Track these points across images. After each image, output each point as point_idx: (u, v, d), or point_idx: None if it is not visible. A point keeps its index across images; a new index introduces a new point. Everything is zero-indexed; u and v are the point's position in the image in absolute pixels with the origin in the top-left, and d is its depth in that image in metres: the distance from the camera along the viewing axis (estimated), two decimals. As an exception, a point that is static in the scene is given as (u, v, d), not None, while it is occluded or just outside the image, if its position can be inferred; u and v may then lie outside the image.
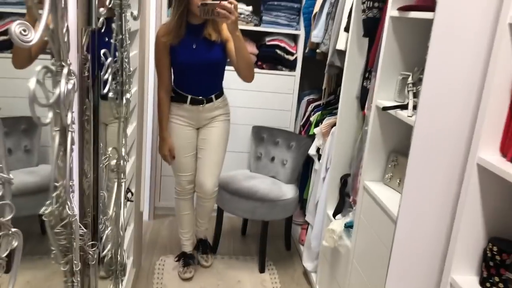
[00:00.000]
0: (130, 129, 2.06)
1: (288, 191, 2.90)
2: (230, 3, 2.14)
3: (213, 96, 2.56)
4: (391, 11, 1.78)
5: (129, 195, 1.99)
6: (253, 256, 3.03)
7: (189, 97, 2.52)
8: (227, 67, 2.59)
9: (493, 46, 1.18)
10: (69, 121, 0.96)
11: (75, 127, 1.05)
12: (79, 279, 1.12)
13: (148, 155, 3.18)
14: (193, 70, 2.47)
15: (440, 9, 1.24)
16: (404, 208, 1.39)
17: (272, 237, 3.18)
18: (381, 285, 1.59)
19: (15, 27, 0.62)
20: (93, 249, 1.14)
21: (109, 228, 1.41)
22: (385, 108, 1.73)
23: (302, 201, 3.17)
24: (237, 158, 3.36)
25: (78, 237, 1.05)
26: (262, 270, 2.88)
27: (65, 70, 0.92)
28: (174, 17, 2.37)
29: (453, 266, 1.32)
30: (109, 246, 1.44)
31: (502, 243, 1.24)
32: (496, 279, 1.23)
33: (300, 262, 2.95)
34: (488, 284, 1.25)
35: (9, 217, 0.77)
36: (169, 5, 3.08)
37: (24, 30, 0.64)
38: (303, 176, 3.20)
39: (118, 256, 1.67)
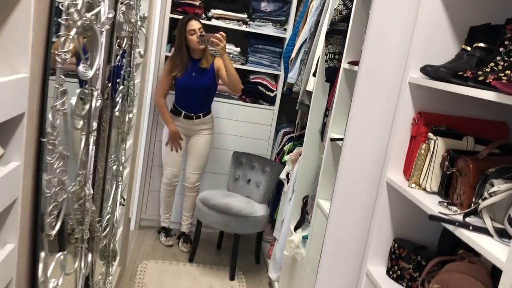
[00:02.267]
0: (127, 144, 2.47)
1: (260, 210, 3.31)
2: (220, 34, 3.02)
3: (201, 114, 3.39)
4: (344, 64, 2.25)
5: (121, 200, 2.39)
6: (226, 266, 3.41)
7: (183, 112, 3.37)
8: (217, 100, 3.41)
9: (399, 97, 1.64)
10: (94, 128, 1.39)
11: (95, 133, 1.48)
12: (87, 245, 1.52)
13: (139, 169, 3.59)
14: (191, 92, 3.31)
15: (362, 65, 1.70)
16: (333, 211, 1.82)
17: (244, 251, 3.58)
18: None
19: (81, 68, 1.06)
20: (99, 223, 1.54)
21: (109, 215, 1.81)
22: (332, 139, 2.18)
23: (272, 221, 3.57)
24: (217, 178, 3.78)
25: (90, 212, 1.45)
26: (232, 278, 3.25)
27: (95, 93, 1.35)
28: (177, 55, 3.24)
29: (368, 260, 1.74)
30: (107, 229, 1.83)
31: (401, 241, 1.67)
32: (396, 268, 1.66)
33: (267, 274, 3.33)
34: (391, 272, 1.68)
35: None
36: (168, 42, 3.57)
37: (85, 70, 1.07)
38: (275, 199, 3.62)
39: (111, 244, 2.06)
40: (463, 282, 1.39)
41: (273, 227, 3.58)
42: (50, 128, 0.99)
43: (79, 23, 0.98)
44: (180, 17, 3.33)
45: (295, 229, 2.77)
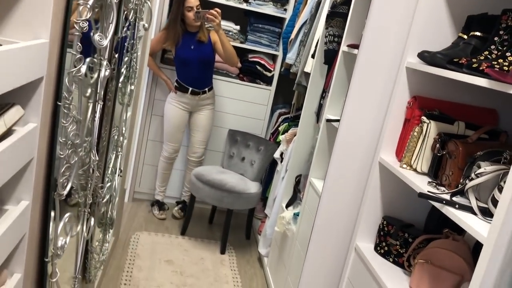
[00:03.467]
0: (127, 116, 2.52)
1: (253, 187, 3.38)
2: (215, 11, 3.08)
3: (206, 89, 3.48)
4: (343, 47, 2.30)
5: (119, 170, 2.45)
6: (217, 241, 3.50)
7: (190, 89, 3.43)
8: (215, 77, 3.52)
9: (396, 81, 1.70)
10: (101, 97, 1.44)
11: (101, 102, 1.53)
12: (89, 210, 1.58)
13: (135, 143, 3.64)
14: (192, 64, 3.36)
15: (362, 49, 1.76)
16: (326, 189, 1.89)
17: (235, 227, 3.67)
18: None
19: (97, 36, 1.10)
20: (101, 190, 1.60)
21: (109, 183, 1.87)
22: (328, 120, 2.24)
23: (264, 199, 3.66)
24: (212, 155, 3.84)
25: (95, 178, 1.51)
26: (223, 252, 3.35)
27: (104, 63, 1.39)
28: (171, 27, 3.29)
29: (357, 236, 1.82)
30: (107, 197, 1.89)
31: (390, 219, 1.76)
32: (383, 244, 1.74)
33: (256, 249, 3.42)
34: (378, 248, 1.76)
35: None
36: (168, 16, 3.58)
37: (101, 38, 1.12)
38: (268, 178, 3.70)
39: (109, 212, 2.12)
40: (446, 257, 1.47)
41: (265, 205, 3.66)
42: (66, 92, 1.04)
43: (95, -7, 1.02)
44: (182, -7, 3.34)
45: (287, 206, 2.85)
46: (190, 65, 3.37)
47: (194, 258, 3.20)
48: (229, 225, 3.34)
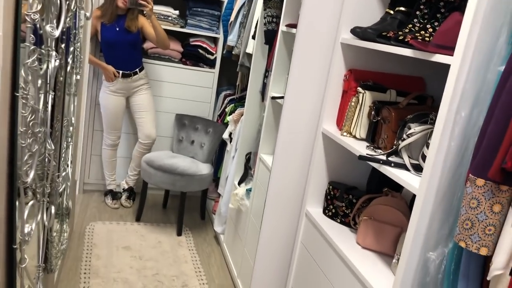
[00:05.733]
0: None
1: (204, 168, 3.47)
2: None
3: (137, 70, 3.47)
4: (282, 27, 2.41)
5: (69, 162, 2.45)
6: (172, 224, 3.57)
7: (121, 72, 3.41)
8: (158, 63, 3.54)
9: (332, 56, 1.84)
10: (52, 87, 1.46)
11: (52, 92, 1.55)
12: (48, 199, 1.61)
13: (81, 134, 3.60)
14: (118, 47, 3.37)
15: (300, 28, 1.88)
16: (276, 162, 2.02)
17: (189, 209, 3.76)
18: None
19: (48, 27, 1.13)
20: (58, 179, 1.63)
21: (64, 172, 1.89)
22: (273, 98, 2.36)
23: (216, 180, 3.75)
24: (161, 141, 3.87)
25: (52, 167, 1.54)
26: (179, 234, 3.42)
27: (52, 53, 1.42)
28: (107, 6, 3.30)
29: (307, 202, 1.97)
30: (63, 186, 1.92)
31: (335, 183, 1.91)
32: (331, 207, 1.90)
33: (212, 228, 3.53)
34: (327, 211, 1.92)
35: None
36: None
37: (52, 29, 1.15)
38: (218, 158, 3.79)
39: (65, 202, 2.14)
40: (386, 212, 1.64)
41: (217, 186, 3.76)
42: (23, 83, 1.07)
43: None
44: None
45: (239, 183, 2.96)
46: (117, 47, 3.37)
47: (151, 242, 3.26)
48: (183, 207, 3.41)
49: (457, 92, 1.17)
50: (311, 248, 1.91)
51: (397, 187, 1.77)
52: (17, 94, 1.09)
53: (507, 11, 1.09)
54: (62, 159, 2.00)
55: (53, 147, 1.49)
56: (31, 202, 1.27)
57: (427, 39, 1.45)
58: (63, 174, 1.89)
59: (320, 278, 1.81)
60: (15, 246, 1.19)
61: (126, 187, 3.80)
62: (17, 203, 1.19)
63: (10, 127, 1.10)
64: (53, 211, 1.63)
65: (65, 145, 1.98)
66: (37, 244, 1.68)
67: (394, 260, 1.56)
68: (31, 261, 1.60)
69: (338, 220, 1.89)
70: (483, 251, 1.10)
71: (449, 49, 1.23)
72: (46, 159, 1.55)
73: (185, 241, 3.36)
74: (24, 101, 1.10)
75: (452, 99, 1.18)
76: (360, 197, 1.83)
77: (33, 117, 1.15)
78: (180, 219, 3.43)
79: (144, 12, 3.32)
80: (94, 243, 3.12)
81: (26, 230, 1.24)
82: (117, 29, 3.34)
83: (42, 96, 1.48)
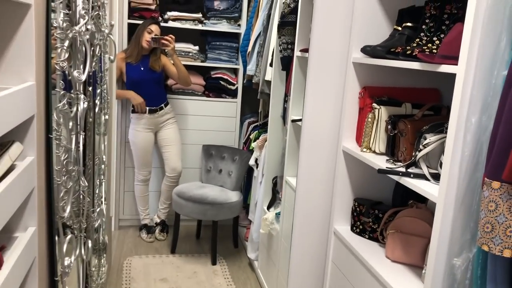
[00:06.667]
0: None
1: (233, 196, 3.53)
2: (170, 37, 3.35)
3: (163, 105, 3.63)
4: (297, 52, 2.49)
5: (103, 198, 2.55)
6: (206, 254, 3.62)
7: (147, 108, 3.55)
8: (182, 97, 3.75)
9: (346, 75, 1.89)
10: (82, 128, 1.57)
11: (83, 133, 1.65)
12: (84, 234, 1.69)
13: (113, 172, 3.73)
14: (143, 85, 3.54)
15: (312, 51, 1.95)
16: (300, 183, 2.06)
17: (222, 238, 3.81)
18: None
19: (76, 73, 1.24)
20: (94, 214, 1.72)
21: (98, 209, 1.99)
22: (293, 121, 2.42)
23: (246, 207, 3.80)
24: (190, 172, 3.97)
25: (86, 203, 1.63)
26: (214, 263, 3.47)
27: (81, 96, 1.53)
28: (133, 47, 3.49)
29: (334, 220, 1.99)
30: (99, 221, 2.01)
31: (360, 200, 1.93)
32: (358, 223, 1.91)
33: (246, 255, 3.56)
34: (354, 228, 1.93)
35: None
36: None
37: (79, 74, 1.25)
38: (247, 185, 3.85)
39: (101, 237, 2.23)
40: (412, 224, 1.66)
41: (247, 212, 3.81)
42: (56, 125, 1.17)
43: (70, 35, 1.16)
44: (138, 22, 3.51)
45: (268, 208, 3.00)
46: (142, 85, 3.53)
47: (187, 273, 3.31)
48: (216, 236, 3.46)
49: (465, 100, 1.21)
50: (342, 266, 1.93)
51: (422, 199, 1.78)
52: (51, 136, 1.18)
53: (504, 18, 1.13)
54: (96, 195, 2.10)
55: (86, 184, 1.58)
56: (69, 236, 1.35)
57: (434, 51, 1.49)
58: (98, 210, 1.98)
59: (353, 295, 1.82)
60: (56, 278, 1.27)
61: (158, 221, 3.90)
62: (56, 237, 1.27)
63: (46, 166, 1.19)
64: (90, 245, 1.72)
65: (98, 182, 2.08)
66: (77, 279, 1.76)
67: (423, 271, 1.56)
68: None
69: (367, 236, 1.90)
70: (507, 253, 1.11)
71: (455, 59, 1.27)
72: (81, 196, 1.64)
73: (220, 270, 3.40)
74: (57, 141, 1.19)
75: (461, 107, 1.22)
76: (386, 211, 1.85)
77: (66, 156, 1.25)
78: (214, 248, 3.47)
79: (166, 51, 3.50)
80: (132, 277, 3.20)
81: (66, 262, 1.31)
82: (142, 68, 3.52)
83: (73, 137, 1.58)
